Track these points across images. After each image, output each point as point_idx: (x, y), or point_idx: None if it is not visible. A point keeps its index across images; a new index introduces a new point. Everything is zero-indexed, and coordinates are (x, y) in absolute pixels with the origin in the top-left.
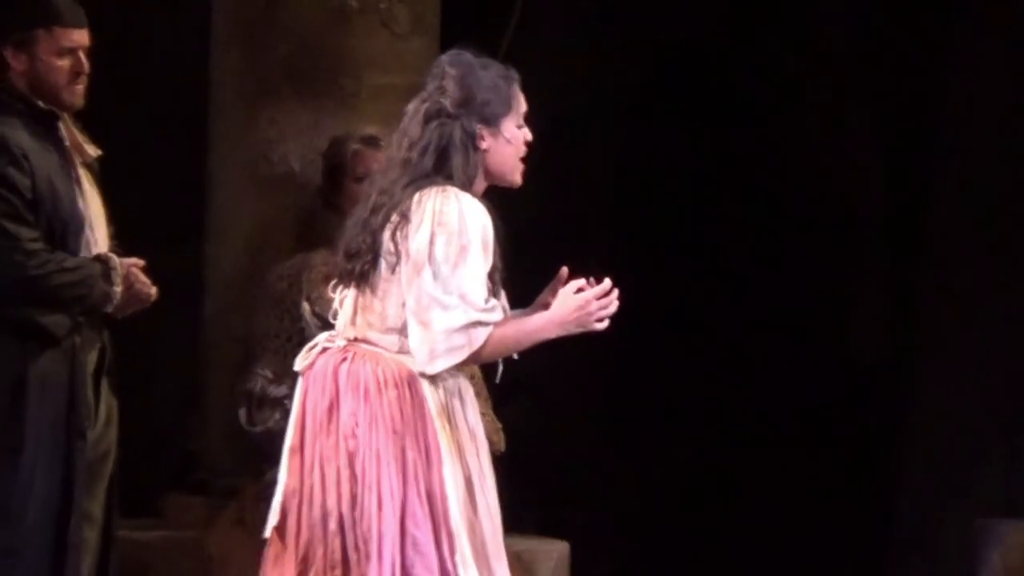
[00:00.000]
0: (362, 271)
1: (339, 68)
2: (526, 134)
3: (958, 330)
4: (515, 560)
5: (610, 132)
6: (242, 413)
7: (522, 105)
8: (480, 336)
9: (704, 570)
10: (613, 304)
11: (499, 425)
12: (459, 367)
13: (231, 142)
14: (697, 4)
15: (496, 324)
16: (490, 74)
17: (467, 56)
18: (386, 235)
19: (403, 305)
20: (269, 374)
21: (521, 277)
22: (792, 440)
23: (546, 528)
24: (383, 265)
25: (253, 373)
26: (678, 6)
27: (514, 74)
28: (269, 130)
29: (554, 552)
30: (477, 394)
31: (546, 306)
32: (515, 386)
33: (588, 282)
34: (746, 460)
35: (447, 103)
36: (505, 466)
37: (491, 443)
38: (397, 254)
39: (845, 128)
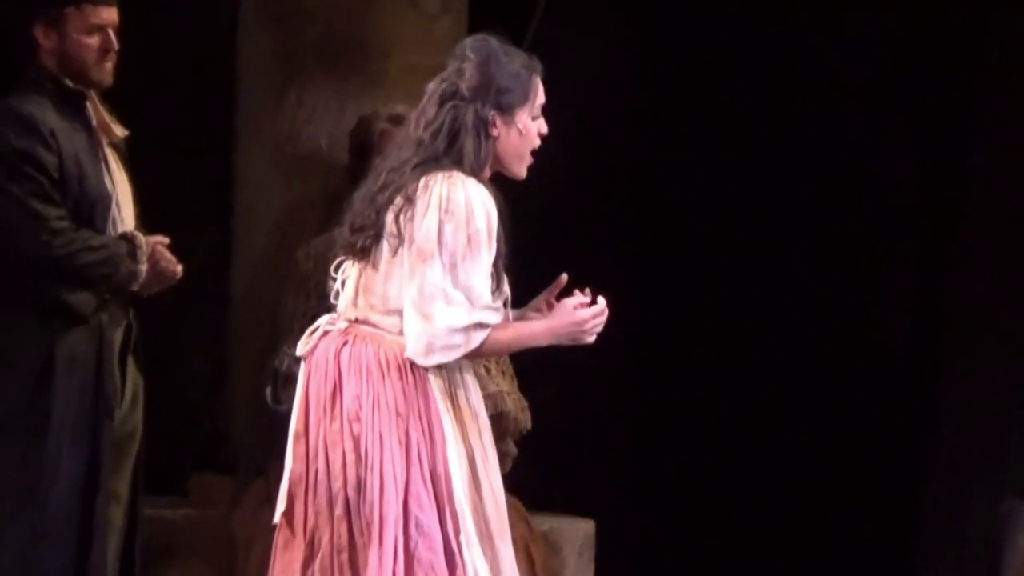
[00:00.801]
0: (364, 246)
1: (367, 48)
2: (541, 126)
3: (986, 317)
4: (541, 539)
5: (639, 115)
6: (268, 392)
7: (540, 97)
8: (478, 338)
9: (731, 549)
10: (603, 320)
11: (525, 403)
12: None
13: (259, 122)
14: None
15: (494, 326)
16: (512, 63)
17: (491, 42)
18: (389, 217)
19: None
20: (295, 353)
21: (549, 257)
22: (820, 426)
23: (572, 507)
24: (385, 246)
25: (280, 352)
26: None
27: (537, 65)
28: (297, 111)
29: (580, 531)
30: (503, 372)
31: (539, 310)
32: (544, 365)
33: (584, 292)
34: (773, 444)
35: (464, 87)
36: (532, 445)
37: (517, 421)
38: (400, 237)
39: (878, 117)
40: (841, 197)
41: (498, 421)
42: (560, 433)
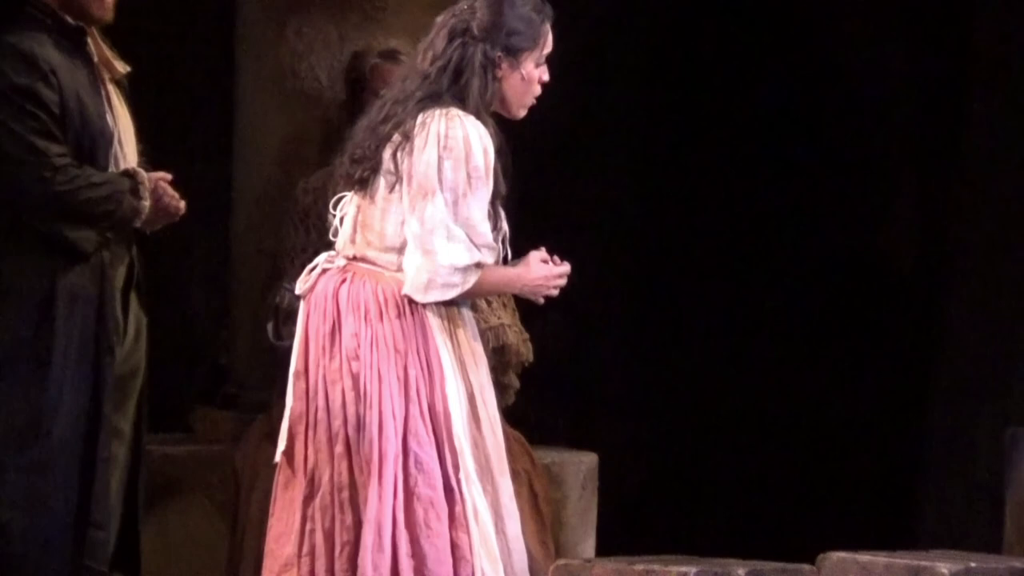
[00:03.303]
0: (362, 178)
1: None
2: (543, 74)
3: (991, 239)
4: (544, 472)
5: (639, 57)
6: (270, 327)
7: (548, 45)
8: (472, 279)
9: (734, 481)
10: (563, 283)
11: (526, 336)
12: None
13: (258, 57)
14: None
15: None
16: (524, 6)
17: None
18: (387, 153)
19: (402, 224)
20: (295, 291)
21: (551, 192)
22: (825, 356)
23: (575, 440)
24: (382, 183)
25: (280, 287)
26: None
27: (549, 11)
28: (296, 44)
29: (583, 464)
30: (504, 305)
31: None
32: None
33: (552, 259)
34: (777, 371)
35: (474, 25)
36: (534, 379)
37: (519, 354)
38: (397, 174)
39: (880, 42)
40: (842, 121)
41: (500, 354)
42: (562, 366)
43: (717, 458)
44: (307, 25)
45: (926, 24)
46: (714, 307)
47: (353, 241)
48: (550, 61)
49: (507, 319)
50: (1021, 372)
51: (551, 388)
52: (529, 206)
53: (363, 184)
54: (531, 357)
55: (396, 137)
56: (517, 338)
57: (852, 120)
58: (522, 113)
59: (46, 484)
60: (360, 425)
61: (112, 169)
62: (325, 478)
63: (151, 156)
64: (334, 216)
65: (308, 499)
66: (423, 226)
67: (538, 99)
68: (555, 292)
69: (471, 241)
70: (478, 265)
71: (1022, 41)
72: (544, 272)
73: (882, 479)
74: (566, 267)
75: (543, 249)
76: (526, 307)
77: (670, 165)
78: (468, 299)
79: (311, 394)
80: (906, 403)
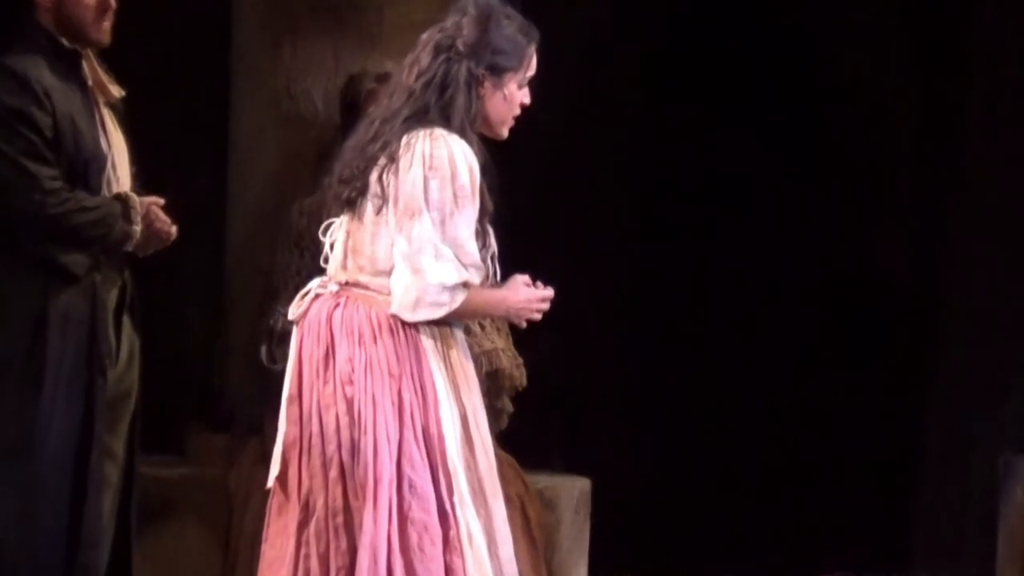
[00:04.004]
0: (350, 198)
1: (362, 3)
2: (524, 96)
3: (988, 260)
4: (536, 497)
5: (634, 76)
6: (263, 350)
7: (532, 67)
8: (460, 298)
9: (726, 506)
10: (546, 307)
11: (519, 360)
12: None
13: (253, 77)
14: None
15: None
16: (511, 26)
17: (494, 1)
18: (374, 176)
19: (391, 246)
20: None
21: (545, 213)
22: (818, 370)
23: (568, 465)
24: (369, 206)
25: (274, 310)
26: None
27: (535, 34)
28: (291, 66)
29: (576, 489)
30: (497, 329)
31: None
32: (540, 322)
33: (536, 284)
34: (770, 390)
35: (460, 42)
36: (527, 403)
37: (512, 378)
38: (383, 196)
39: (878, 48)
40: (839, 130)
41: (493, 378)
42: (555, 390)
43: (710, 482)
44: (303, 47)
45: (924, 39)
46: (708, 331)
47: (344, 267)
48: (532, 84)
49: (501, 343)
50: (1016, 398)
51: (544, 413)
52: (523, 228)
53: (351, 205)
54: (524, 382)
55: (382, 159)
56: (510, 363)
57: (848, 135)
58: (504, 133)
59: (37, 503)
60: (355, 450)
61: (105, 192)
62: (319, 503)
63: (145, 179)
64: (324, 242)
65: (302, 524)
66: (411, 245)
67: (533, 121)
68: (538, 316)
69: (459, 260)
70: (465, 284)
71: (1020, 55)
72: (528, 295)
73: (876, 503)
74: (549, 292)
75: (527, 275)
76: (519, 332)
77: (665, 186)
78: (455, 320)
79: (305, 419)
80: (900, 428)
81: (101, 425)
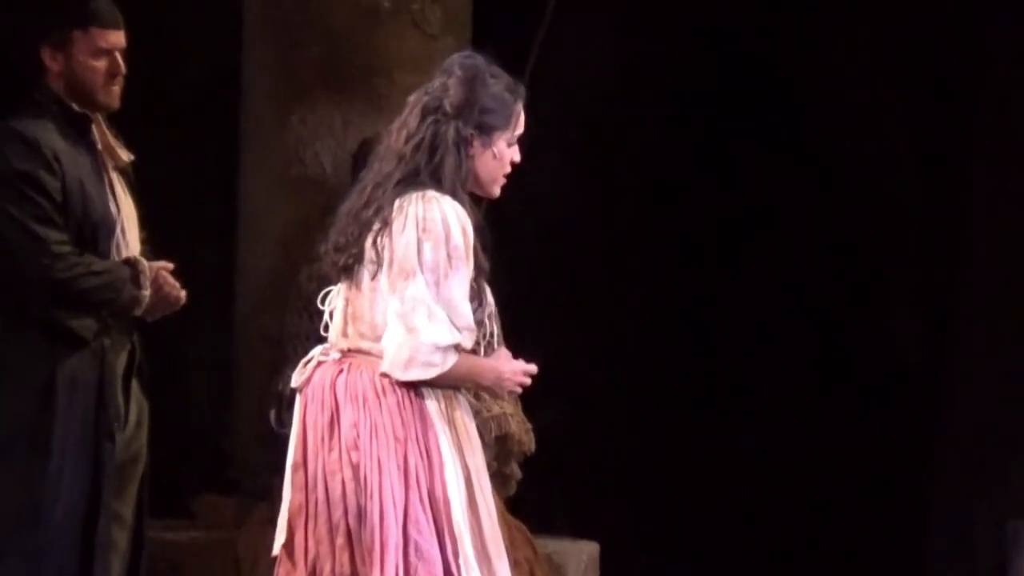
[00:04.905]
0: (347, 265)
1: (371, 68)
2: (514, 154)
3: (992, 332)
4: (545, 561)
5: (642, 129)
6: (272, 414)
7: (520, 125)
8: (451, 360)
9: (735, 571)
10: (527, 382)
11: (528, 425)
12: None
13: (263, 142)
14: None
15: (463, 351)
16: (497, 84)
17: (479, 60)
18: (368, 241)
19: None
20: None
21: (558, 266)
22: (826, 440)
23: (576, 529)
24: (366, 272)
25: (283, 375)
26: (709, 2)
27: (521, 91)
28: (301, 130)
29: (584, 553)
30: (509, 393)
31: None
32: (546, 387)
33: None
34: (779, 460)
35: (447, 103)
36: (535, 468)
37: (521, 443)
38: (378, 262)
39: (884, 127)
40: (846, 211)
41: (502, 443)
42: (564, 455)
43: (718, 547)
44: (311, 112)
45: (932, 115)
46: (717, 399)
47: (345, 334)
48: (522, 141)
49: (509, 408)
50: (1021, 466)
51: (552, 477)
52: (535, 294)
53: (348, 272)
54: (533, 447)
55: (376, 224)
56: (519, 427)
57: (854, 212)
58: (496, 191)
59: (45, 570)
60: (361, 515)
61: (114, 257)
62: (327, 570)
63: (154, 243)
64: (323, 311)
65: None
66: (404, 304)
67: (537, 191)
68: (518, 389)
69: (452, 322)
70: (457, 347)
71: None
72: (513, 367)
73: (883, 572)
74: (533, 368)
75: (506, 349)
76: (527, 397)
77: (667, 259)
78: (443, 384)
79: (310, 486)
80: (906, 496)
81: (109, 490)
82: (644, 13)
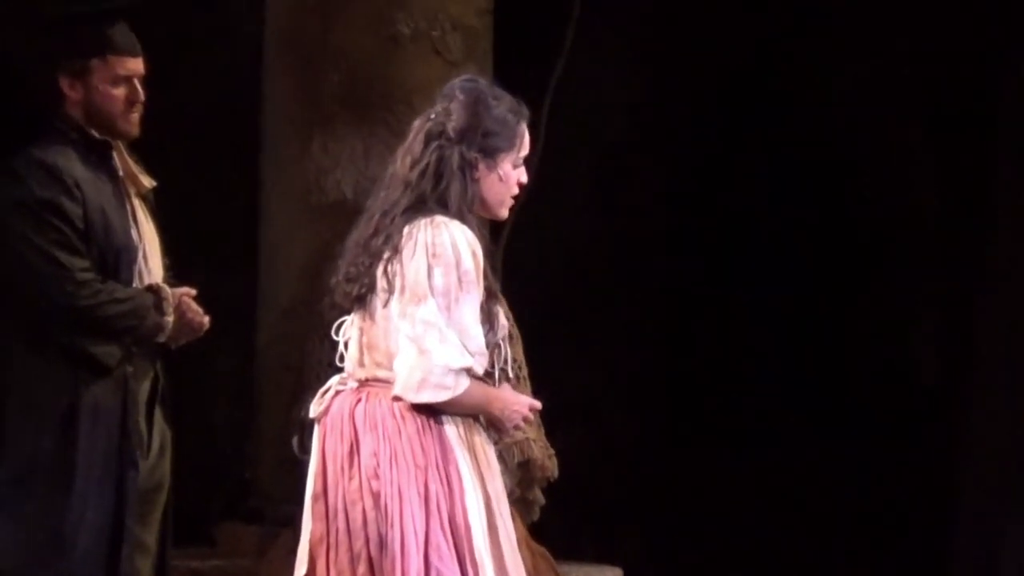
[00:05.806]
0: (359, 295)
1: (392, 96)
2: (521, 175)
3: (1015, 349)
4: None
5: (662, 153)
6: (295, 442)
7: (525, 146)
8: (463, 384)
9: None
10: (528, 418)
11: (551, 451)
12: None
13: (284, 170)
14: (754, 24)
15: (474, 376)
16: (499, 107)
17: (481, 84)
18: (379, 270)
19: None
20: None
21: (580, 291)
22: (850, 460)
23: (600, 555)
24: (378, 301)
25: (306, 402)
26: (733, 28)
27: (524, 112)
28: (322, 158)
29: None
30: (515, 428)
31: None
32: (569, 412)
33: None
34: (804, 481)
35: (450, 127)
36: (558, 493)
37: (544, 468)
38: (389, 289)
39: (906, 148)
40: (866, 230)
41: (525, 469)
42: (587, 481)
43: (742, 572)
44: (332, 140)
45: (954, 137)
46: (740, 424)
47: (361, 364)
48: (528, 162)
49: (532, 434)
50: None
51: (575, 502)
52: (557, 318)
53: (361, 302)
54: (556, 472)
55: (386, 252)
56: (542, 453)
57: (875, 233)
58: (504, 213)
59: None
60: (382, 544)
61: (136, 284)
62: None
63: (176, 270)
64: (337, 342)
65: None
66: (415, 327)
67: (557, 214)
68: (522, 424)
69: (464, 346)
70: (469, 371)
71: None
72: (519, 400)
73: None
74: (537, 404)
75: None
76: (550, 421)
77: (696, 280)
78: (454, 411)
79: (331, 516)
80: (929, 522)
81: (132, 518)
82: (664, 39)
